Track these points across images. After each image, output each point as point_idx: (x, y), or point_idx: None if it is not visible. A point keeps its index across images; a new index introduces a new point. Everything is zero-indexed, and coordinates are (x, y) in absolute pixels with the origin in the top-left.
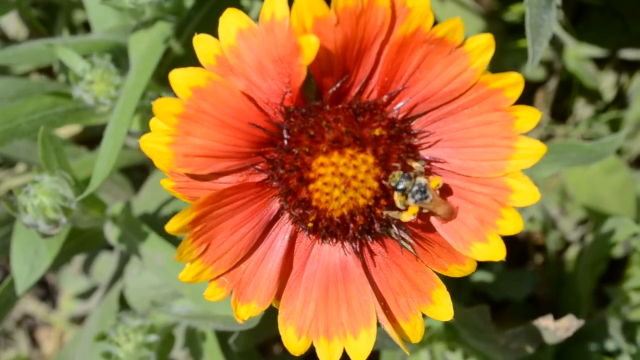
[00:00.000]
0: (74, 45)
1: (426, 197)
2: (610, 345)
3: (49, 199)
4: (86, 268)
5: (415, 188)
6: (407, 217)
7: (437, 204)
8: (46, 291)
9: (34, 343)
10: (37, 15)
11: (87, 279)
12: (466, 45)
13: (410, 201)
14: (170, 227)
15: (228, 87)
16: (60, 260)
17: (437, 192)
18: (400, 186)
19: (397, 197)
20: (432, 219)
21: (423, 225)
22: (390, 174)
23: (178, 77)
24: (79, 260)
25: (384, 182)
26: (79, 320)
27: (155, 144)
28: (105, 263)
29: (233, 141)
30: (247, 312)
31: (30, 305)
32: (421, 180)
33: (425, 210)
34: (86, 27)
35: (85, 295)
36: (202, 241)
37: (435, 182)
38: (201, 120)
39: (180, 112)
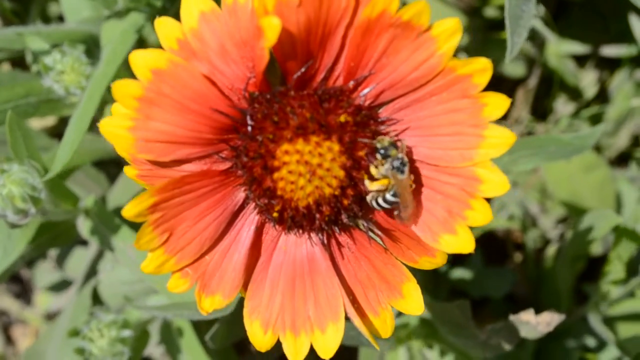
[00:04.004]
0: (46, 34)
1: (402, 172)
2: (589, 342)
3: (17, 188)
4: (60, 263)
5: (400, 157)
6: (374, 186)
7: (406, 192)
8: (21, 288)
9: (9, 340)
10: (11, 8)
11: (61, 274)
12: (433, 29)
13: (386, 167)
14: (128, 211)
15: (189, 70)
16: (34, 255)
17: (411, 187)
18: (386, 151)
19: (376, 161)
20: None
21: (391, 216)
22: (356, 162)
23: (138, 58)
24: (53, 255)
25: (365, 140)
26: (54, 316)
27: (116, 128)
28: (80, 258)
29: (195, 127)
30: (212, 305)
31: (4, 301)
32: (403, 156)
33: (390, 197)
34: (61, 19)
35: (60, 290)
36: (164, 230)
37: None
38: (162, 104)
39: (141, 95)
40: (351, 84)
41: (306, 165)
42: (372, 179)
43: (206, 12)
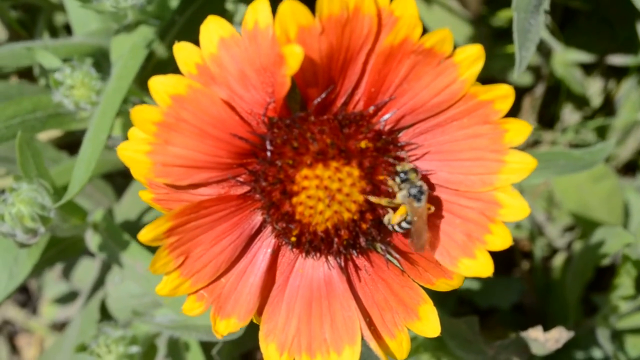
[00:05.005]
0: (54, 48)
1: (419, 200)
2: (597, 354)
3: (27, 207)
4: (67, 273)
5: (418, 185)
6: (396, 218)
7: (421, 220)
8: (27, 297)
9: (14, 349)
10: (17, 18)
11: (68, 285)
12: (455, 56)
13: (403, 194)
14: (144, 236)
15: (209, 96)
16: (41, 268)
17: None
18: (406, 176)
19: (393, 183)
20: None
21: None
22: (376, 187)
23: (158, 84)
24: (59, 266)
25: (390, 160)
26: (59, 326)
27: (134, 153)
28: (87, 269)
29: (214, 151)
30: (227, 328)
31: (10, 311)
32: (425, 186)
33: (404, 224)
34: (67, 29)
35: (66, 301)
36: (180, 253)
37: (428, 205)
38: (181, 129)
39: (160, 120)
40: (371, 109)
41: (325, 190)
42: (392, 206)
43: (226, 37)
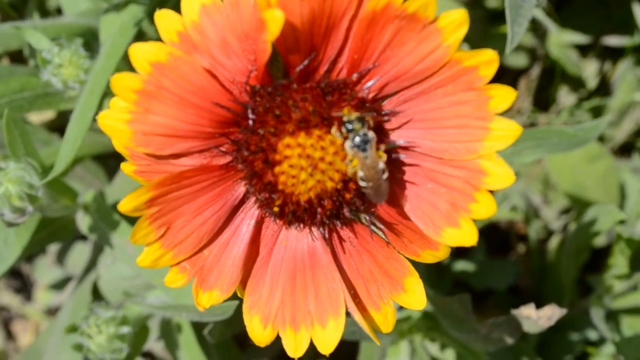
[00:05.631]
0: (43, 28)
1: (364, 150)
2: (592, 335)
3: (14, 186)
4: (60, 258)
5: (361, 134)
6: (350, 168)
7: (372, 171)
8: (22, 283)
9: (10, 335)
10: (8, 1)
11: (62, 270)
12: (439, 21)
13: (348, 144)
14: (124, 206)
15: (190, 63)
16: (33, 250)
17: (382, 165)
18: (349, 126)
19: (338, 134)
20: (403, 202)
21: (394, 210)
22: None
23: (138, 51)
24: (53, 250)
25: (336, 114)
26: (54, 312)
27: (114, 121)
28: (80, 253)
29: (195, 120)
30: (209, 300)
31: (5, 297)
32: (370, 135)
33: (360, 181)
34: (59, 12)
35: (60, 286)
36: (161, 224)
37: (380, 153)
38: (162, 97)
39: (140, 88)
40: (355, 76)
41: (308, 159)
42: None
43: (207, 4)
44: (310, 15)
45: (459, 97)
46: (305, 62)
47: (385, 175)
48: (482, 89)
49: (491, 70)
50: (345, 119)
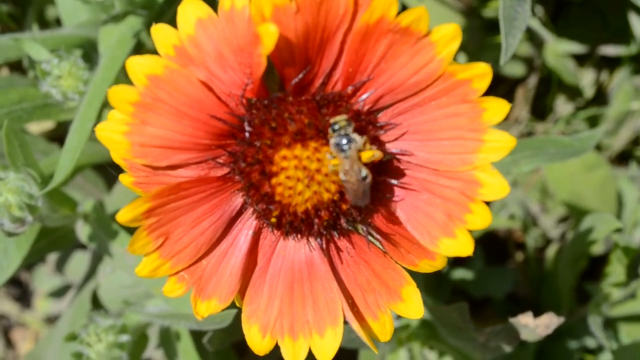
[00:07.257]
0: (42, 40)
1: (342, 151)
2: (590, 343)
3: (14, 196)
4: (60, 267)
5: (342, 135)
6: (330, 165)
7: (348, 174)
8: (21, 291)
9: (9, 343)
10: (7, 11)
11: (61, 278)
12: (432, 35)
13: (330, 142)
14: (122, 216)
15: (186, 76)
16: (33, 259)
17: (364, 170)
18: (336, 126)
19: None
20: (399, 213)
21: (390, 220)
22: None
23: (134, 64)
24: (53, 259)
25: (327, 117)
26: (54, 320)
27: (111, 133)
28: (79, 262)
29: (192, 132)
30: (208, 309)
31: (4, 305)
32: (355, 137)
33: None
34: (58, 23)
35: (60, 295)
36: (159, 234)
37: (369, 153)
38: (158, 110)
39: (136, 100)
40: (350, 89)
41: (304, 171)
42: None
43: (203, 18)
44: (304, 29)
45: (453, 109)
46: (301, 75)
47: (369, 180)
48: (476, 102)
49: (484, 83)
50: (332, 121)
